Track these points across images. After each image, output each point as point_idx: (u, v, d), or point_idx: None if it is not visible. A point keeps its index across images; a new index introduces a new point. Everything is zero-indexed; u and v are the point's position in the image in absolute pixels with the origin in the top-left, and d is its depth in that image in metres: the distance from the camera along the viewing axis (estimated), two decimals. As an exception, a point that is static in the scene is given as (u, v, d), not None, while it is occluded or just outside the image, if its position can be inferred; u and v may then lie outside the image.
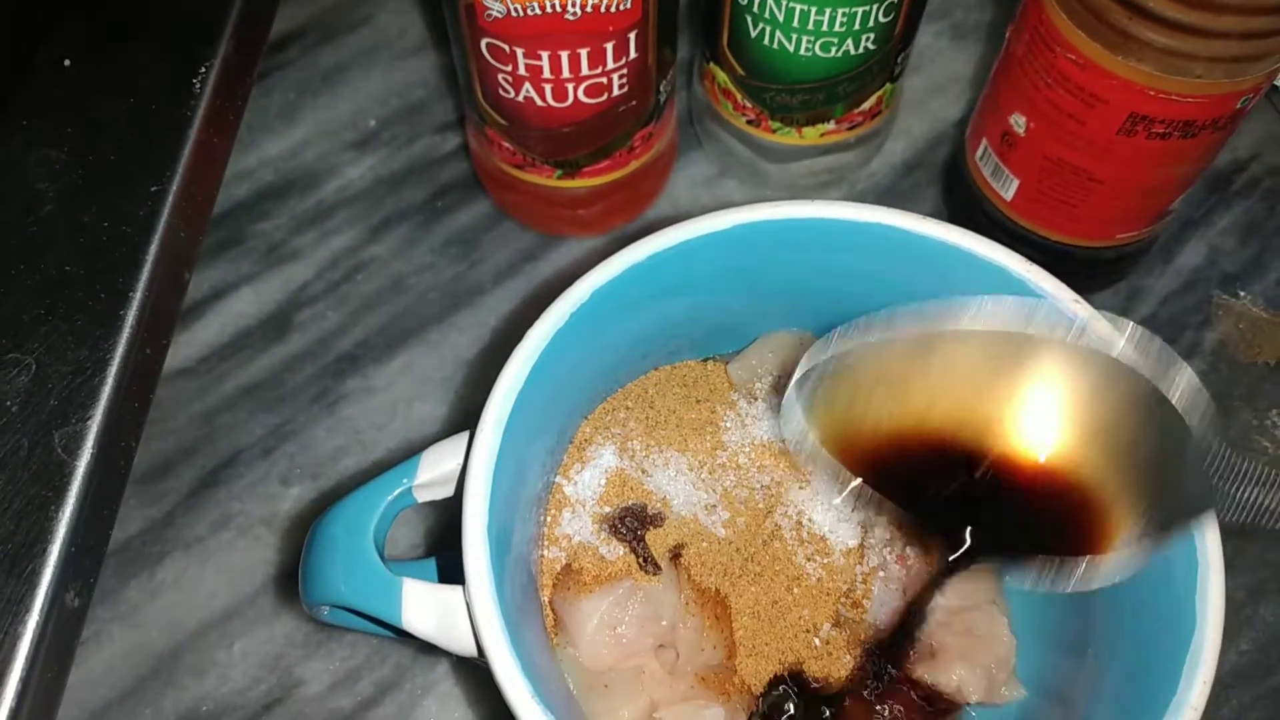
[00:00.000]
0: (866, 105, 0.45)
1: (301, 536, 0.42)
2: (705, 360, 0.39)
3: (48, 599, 0.30)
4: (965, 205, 0.47)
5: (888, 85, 0.45)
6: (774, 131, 0.46)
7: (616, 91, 0.40)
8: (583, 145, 0.43)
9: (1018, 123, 0.41)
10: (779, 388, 0.37)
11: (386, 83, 0.52)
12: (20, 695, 0.29)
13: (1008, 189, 0.43)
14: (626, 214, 0.48)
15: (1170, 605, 0.30)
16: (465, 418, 0.45)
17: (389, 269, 0.48)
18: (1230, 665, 0.41)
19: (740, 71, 0.44)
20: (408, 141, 0.51)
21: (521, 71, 0.39)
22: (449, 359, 0.46)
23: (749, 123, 0.46)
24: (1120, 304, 0.48)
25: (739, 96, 0.45)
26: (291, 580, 0.41)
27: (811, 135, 0.46)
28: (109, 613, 0.41)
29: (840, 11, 0.40)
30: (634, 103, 0.41)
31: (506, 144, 0.43)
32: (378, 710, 0.40)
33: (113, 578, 0.41)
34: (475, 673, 0.40)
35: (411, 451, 0.44)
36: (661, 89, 0.43)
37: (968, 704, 0.35)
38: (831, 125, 0.46)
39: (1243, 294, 0.49)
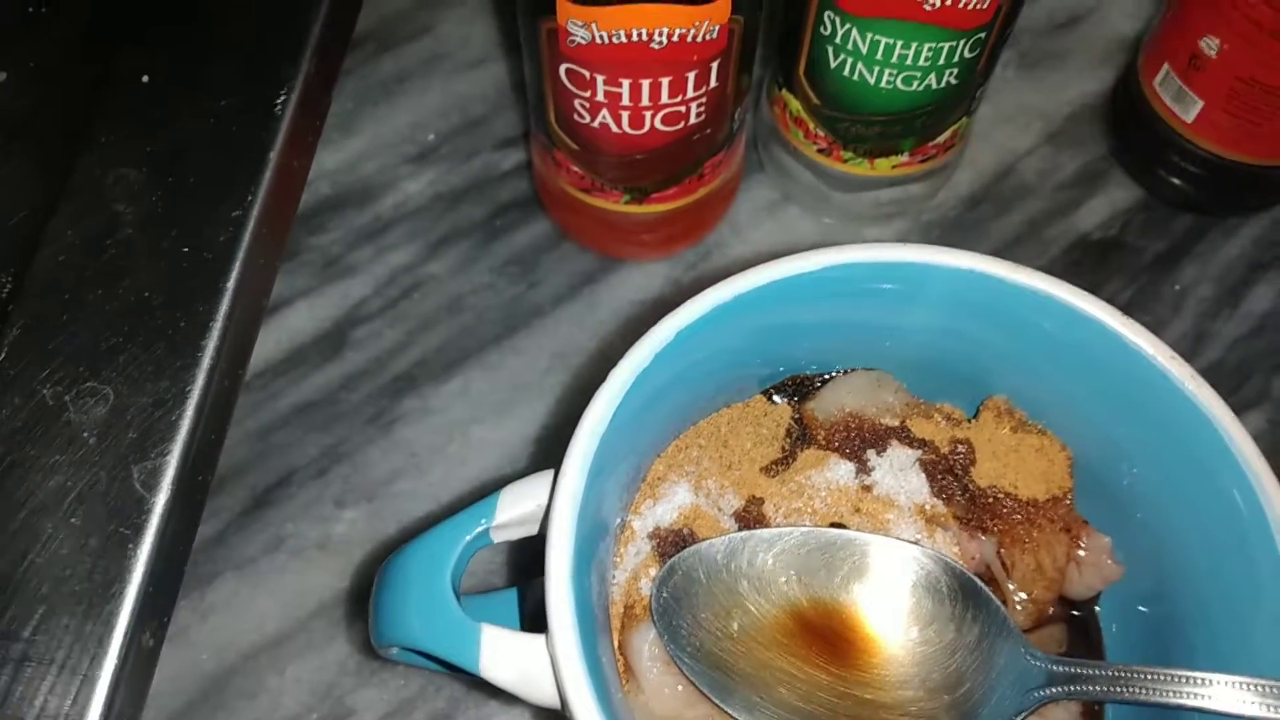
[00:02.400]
0: (941, 138, 0.44)
1: (356, 559, 0.42)
2: (774, 400, 0.38)
3: (125, 641, 0.29)
4: (1138, 130, 0.49)
5: (964, 119, 0.44)
6: (845, 161, 0.45)
7: (694, 120, 0.39)
8: (654, 172, 0.42)
9: (1209, 45, 0.42)
10: (857, 430, 0.36)
11: (446, 95, 0.52)
12: (97, 739, 0.28)
13: (1190, 111, 0.45)
14: (689, 238, 0.48)
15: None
16: (523, 443, 0.44)
17: (447, 288, 0.47)
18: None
19: (815, 101, 0.43)
20: (467, 157, 0.50)
21: (600, 98, 0.38)
22: (506, 382, 0.45)
23: (820, 151, 0.45)
24: (1188, 348, 0.48)
25: (811, 125, 0.44)
26: (346, 605, 0.41)
27: (883, 167, 0.45)
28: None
29: (927, 47, 0.39)
30: (709, 131, 0.41)
31: (575, 168, 0.42)
32: (431, 743, 0.39)
33: (163, 597, 0.40)
34: (538, 712, 0.39)
35: (469, 478, 0.44)
36: (736, 117, 0.42)
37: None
38: (905, 157, 0.45)
39: (1313, 340, 0.48)
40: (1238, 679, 0.28)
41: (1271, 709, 0.28)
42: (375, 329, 0.46)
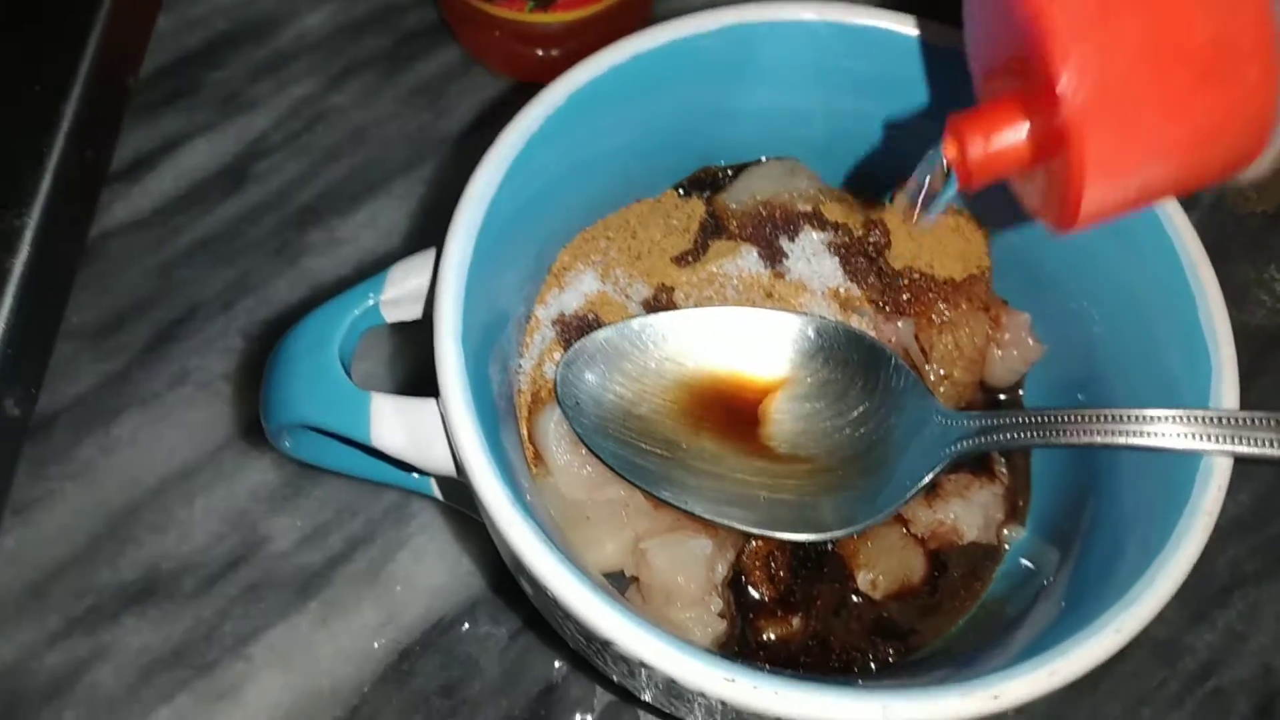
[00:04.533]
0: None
1: (265, 390, 0.40)
2: (687, 195, 0.36)
3: (-17, 403, 0.28)
4: None
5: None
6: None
7: (593, -91, 0.38)
8: (557, -28, 0.40)
9: None
10: (769, 217, 0.35)
11: (347, -75, 0.49)
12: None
13: None
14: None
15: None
16: (436, 269, 0.43)
17: (350, 119, 0.45)
18: (1228, 516, 0.40)
19: None
20: (370, -12, 0.48)
21: (491, -119, 0.36)
22: (416, 210, 0.44)
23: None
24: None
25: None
26: (255, 435, 0.39)
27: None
28: (61, 470, 0.38)
29: None
30: (611, -75, 0.39)
31: (476, -27, 0.40)
32: (349, 566, 0.38)
33: (65, 435, 0.39)
34: (452, 522, 0.38)
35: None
36: (641, -86, 0.40)
37: (964, 542, 0.34)
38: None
39: (1242, 147, 0.47)
40: (1163, 411, 0.27)
41: (1196, 439, 0.27)
42: (277, 162, 0.44)
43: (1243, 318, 0.44)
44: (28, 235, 0.29)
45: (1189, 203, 0.45)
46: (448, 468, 0.27)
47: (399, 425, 0.27)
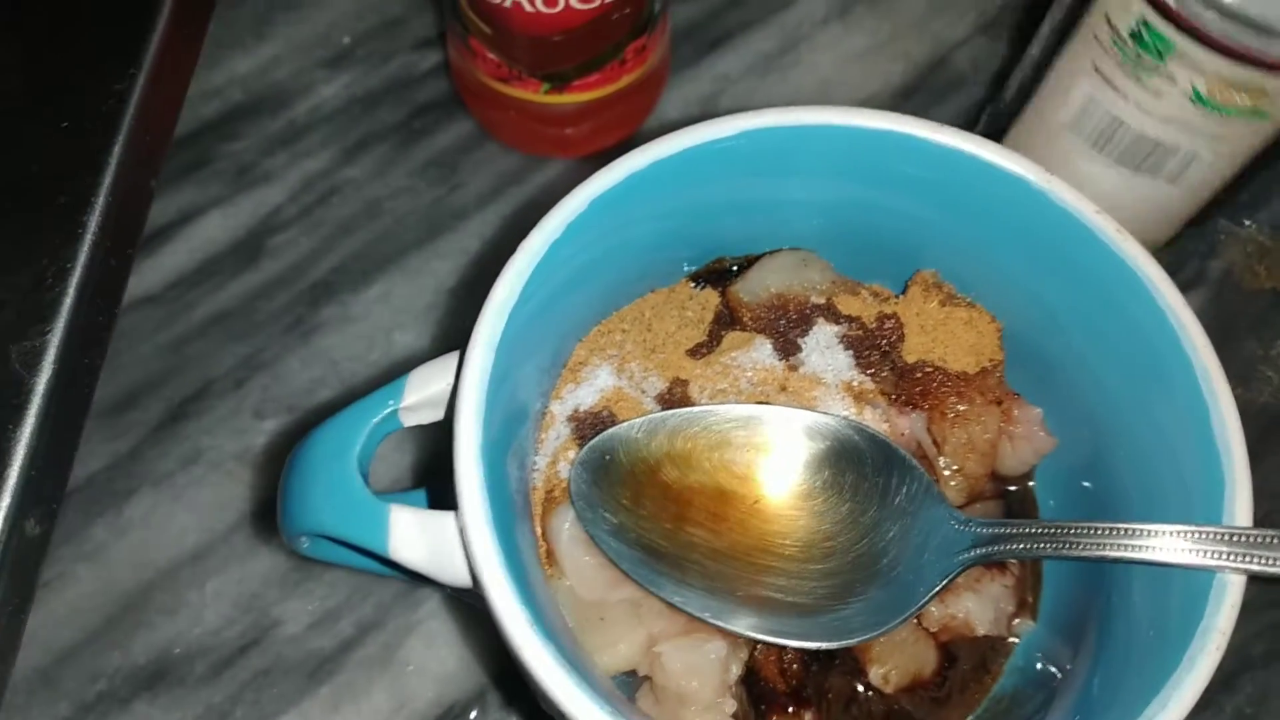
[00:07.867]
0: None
1: (277, 471, 0.40)
2: (701, 286, 0.37)
3: (6, 526, 0.28)
4: None
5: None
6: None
7: (609, -3, 0.38)
8: (572, 56, 0.40)
9: None
10: (783, 310, 0.35)
11: (361, -3, 0.50)
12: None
13: None
14: (616, 134, 0.46)
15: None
16: (449, 347, 0.43)
17: (364, 192, 0.45)
18: (1235, 598, 0.40)
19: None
20: (384, 60, 0.48)
21: (509, -27, 0.36)
22: (429, 287, 0.44)
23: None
24: (1125, 232, 0.47)
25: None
26: (267, 517, 0.40)
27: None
28: (74, 552, 0.38)
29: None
30: (627, 10, 0.39)
31: (491, 55, 0.41)
32: (360, 650, 0.38)
33: (77, 515, 0.39)
34: (461, 609, 0.38)
35: (393, 382, 0.42)
36: (655, -3, 0.40)
37: (976, 635, 0.34)
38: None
39: (1248, 223, 0.48)
40: (1176, 527, 0.28)
41: (1209, 556, 0.27)
42: (291, 236, 0.44)
43: (1249, 395, 0.44)
44: (51, 353, 0.29)
45: (1197, 279, 0.46)
46: (464, 582, 0.27)
47: (418, 539, 0.27)
